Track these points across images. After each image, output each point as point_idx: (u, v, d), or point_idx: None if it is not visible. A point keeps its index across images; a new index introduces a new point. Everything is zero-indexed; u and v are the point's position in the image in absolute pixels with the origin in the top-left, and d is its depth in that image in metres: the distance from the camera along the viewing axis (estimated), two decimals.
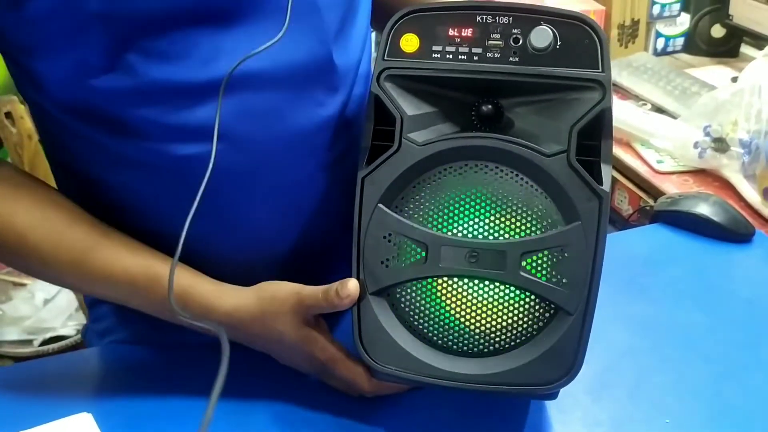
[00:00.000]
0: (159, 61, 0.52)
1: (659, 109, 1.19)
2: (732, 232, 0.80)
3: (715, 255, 0.78)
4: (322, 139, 0.59)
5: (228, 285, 0.57)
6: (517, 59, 0.51)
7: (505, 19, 0.51)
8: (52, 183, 0.66)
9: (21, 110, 0.93)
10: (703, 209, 0.81)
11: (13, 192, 0.56)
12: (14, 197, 0.56)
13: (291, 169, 0.58)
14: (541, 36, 0.50)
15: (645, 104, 1.21)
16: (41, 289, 1.57)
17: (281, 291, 0.55)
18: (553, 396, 0.54)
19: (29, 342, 1.50)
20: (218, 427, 0.55)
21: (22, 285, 1.59)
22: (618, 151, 1.11)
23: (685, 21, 1.45)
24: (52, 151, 0.63)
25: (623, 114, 1.12)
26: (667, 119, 1.13)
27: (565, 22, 0.51)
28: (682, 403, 0.59)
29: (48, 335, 1.50)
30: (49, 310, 1.53)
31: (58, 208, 0.57)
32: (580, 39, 0.51)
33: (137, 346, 0.67)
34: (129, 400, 0.60)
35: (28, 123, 0.94)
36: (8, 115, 0.92)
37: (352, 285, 0.51)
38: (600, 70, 0.50)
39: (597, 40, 0.50)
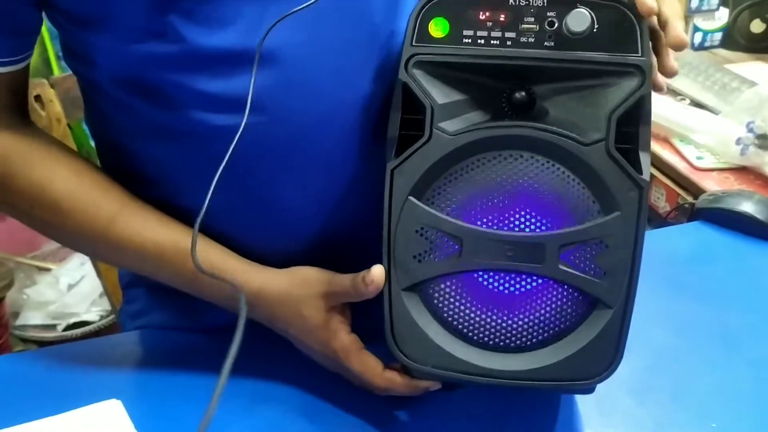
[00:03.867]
0: (202, 25, 0.51)
1: (698, 105, 1.17)
2: None
3: (759, 254, 0.76)
4: (361, 119, 0.57)
5: (257, 264, 0.57)
6: (552, 44, 0.49)
7: (539, 2, 0.49)
8: None
9: (50, 94, 0.94)
10: (747, 207, 0.79)
11: (51, 160, 0.57)
12: (52, 165, 0.57)
13: (326, 148, 0.57)
14: (579, 19, 0.48)
15: (683, 99, 1.18)
16: (66, 274, 1.58)
17: (312, 275, 0.55)
18: (590, 390, 0.52)
19: (53, 327, 1.51)
20: (231, 412, 0.56)
21: (47, 270, 1.61)
22: (655, 146, 1.08)
23: (723, 15, 1.41)
24: (95, 124, 0.64)
25: (661, 109, 1.09)
26: (708, 115, 1.11)
27: (603, 4, 0.49)
28: (727, 407, 0.57)
29: (72, 320, 1.52)
30: (73, 296, 1.55)
31: (93, 178, 0.58)
32: (619, 22, 0.49)
33: (167, 331, 0.67)
34: (159, 387, 0.60)
35: (57, 107, 0.95)
36: (38, 98, 0.93)
37: (376, 272, 0.51)
38: (639, 55, 0.49)
39: (636, 23, 0.49)
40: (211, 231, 0.57)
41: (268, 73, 0.52)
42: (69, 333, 1.50)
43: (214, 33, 0.51)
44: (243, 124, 0.50)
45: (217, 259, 0.57)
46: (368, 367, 0.54)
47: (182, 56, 0.52)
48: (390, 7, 0.57)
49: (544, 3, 0.49)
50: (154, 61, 0.52)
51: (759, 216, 0.78)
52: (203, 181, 0.57)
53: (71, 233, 0.58)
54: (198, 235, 0.57)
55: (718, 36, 1.42)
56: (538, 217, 0.49)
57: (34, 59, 0.59)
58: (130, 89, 0.55)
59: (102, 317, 1.53)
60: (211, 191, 0.48)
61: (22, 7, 0.52)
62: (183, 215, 0.58)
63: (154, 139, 0.57)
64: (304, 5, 0.50)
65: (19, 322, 1.53)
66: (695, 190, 0.98)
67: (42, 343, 1.50)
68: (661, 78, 0.52)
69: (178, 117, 0.54)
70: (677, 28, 0.49)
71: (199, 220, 0.48)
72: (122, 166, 0.60)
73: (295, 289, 0.55)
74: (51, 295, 1.54)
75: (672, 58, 0.51)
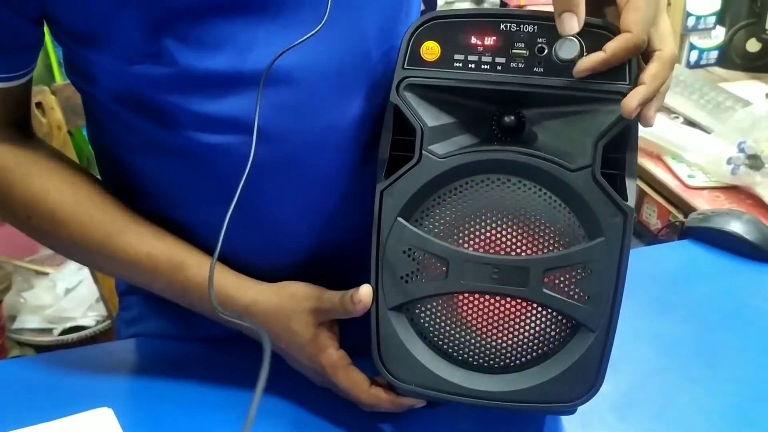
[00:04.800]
0: (195, 49, 0.52)
1: (691, 123, 1.18)
2: (765, 252, 0.79)
3: (747, 274, 0.77)
4: (354, 137, 0.58)
5: (249, 278, 0.58)
6: (541, 70, 0.50)
7: (530, 28, 0.50)
8: None
9: (51, 101, 0.94)
10: (736, 227, 0.80)
11: (48, 171, 0.58)
12: (49, 176, 0.58)
13: (321, 165, 0.58)
14: (568, 47, 0.49)
15: (677, 117, 1.19)
16: (63, 278, 1.59)
17: (302, 290, 0.56)
18: (571, 411, 0.53)
19: (49, 331, 1.53)
20: (223, 423, 0.57)
21: (45, 274, 1.61)
22: (648, 164, 1.09)
23: (719, 34, 1.43)
24: (95, 136, 0.64)
25: (655, 126, 1.09)
26: (701, 133, 1.11)
27: (592, 32, 0.49)
28: (709, 425, 0.58)
29: (68, 325, 1.53)
30: (70, 300, 1.55)
31: (89, 189, 0.59)
32: None
33: (161, 340, 0.68)
34: (150, 396, 0.61)
35: (58, 114, 0.95)
36: (39, 105, 0.93)
37: (364, 291, 0.51)
38: (627, 83, 0.49)
39: None
40: (205, 244, 0.58)
41: (264, 95, 0.52)
42: (65, 337, 1.51)
43: (206, 56, 0.52)
44: (253, 146, 0.50)
45: (208, 272, 0.57)
46: (355, 383, 0.55)
47: (177, 78, 0.52)
48: (384, 28, 0.58)
49: (534, 29, 0.50)
50: (150, 82, 0.53)
51: (747, 236, 0.78)
52: (199, 196, 0.58)
53: (66, 243, 0.59)
54: (194, 249, 0.58)
55: (714, 54, 1.43)
56: (524, 241, 0.50)
57: (37, 66, 0.59)
58: (129, 106, 0.55)
59: (98, 322, 1.54)
60: (228, 218, 0.49)
61: (20, 22, 0.53)
62: (178, 228, 0.59)
63: (152, 154, 0.58)
64: (306, 37, 0.50)
65: (16, 325, 1.53)
66: (686, 208, 0.99)
67: (38, 347, 1.51)
68: (652, 112, 0.50)
69: (174, 135, 0.55)
70: (636, 94, 0.47)
71: (215, 257, 0.49)
72: (120, 177, 0.61)
73: (284, 302, 0.56)
74: (48, 299, 1.55)
75: (636, 100, 0.47)
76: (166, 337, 0.68)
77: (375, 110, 0.58)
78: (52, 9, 0.52)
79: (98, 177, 0.64)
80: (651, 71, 0.48)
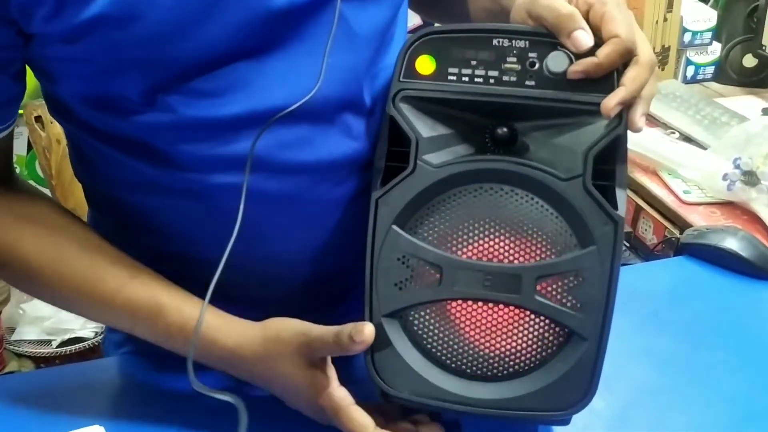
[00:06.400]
0: (196, 99, 0.52)
1: (687, 138, 1.18)
2: (760, 269, 0.78)
3: (743, 291, 0.76)
4: (354, 168, 0.58)
5: (234, 318, 0.56)
6: (533, 83, 0.51)
7: (521, 43, 0.51)
8: (79, 189, 0.66)
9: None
10: (731, 244, 0.79)
11: (24, 220, 0.57)
12: (25, 225, 0.56)
13: (323, 197, 0.58)
14: (558, 61, 0.50)
15: (673, 132, 1.20)
16: None
17: (287, 330, 0.53)
18: (565, 422, 0.53)
19: (48, 342, 1.53)
20: None
21: None
22: (644, 179, 1.09)
23: (716, 49, 1.43)
24: (83, 172, 0.63)
25: (651, 142, 1.11)
26: (696, 149, 1.12)
27: None
28: None
29: (67, 336, 1.53)
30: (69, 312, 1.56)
31: (66, 234, 0.57)
32: None
33: (154, 359, 0.66)
34: (143, 415, 0.60)
35: (57, 127, 0.96)
36: (38, 119, 0.94)
37: (368, 330, 0.49)
38: None
39: None
40: (204, 275, 0.53)
41: (264, 135, 0.52)
42: (64, 349, 1.51)
43: (208, 103, 0.52)
44: (245, 188, 0.50)
45: (192, 313, 0.55)
46: (358, 426, 0.51)
47: (179, 125, 0.52)
48: (371, 66, 0.58)
49: (525, 44, 0.51)
50: (147, 128, 0.52)
51: (742, 253, 0.78)
52: (206, 233, 0.56)
53: (44, 290, 0.58)
54: (174, 291, 0.56)
55: (711, 70, 1.44)
56: (516, 249, 0.51)
57: (34, 81, 0.57)
58: (122, 148, 0.55)
59: (97, 334, 1.54)
60: (223, 260, 0.48)
61: (2, 80, 0.52)
62: (174, 262, 0.58)
63: (150, 193, 0.57)
64: (295, 105, 0.51)
65: (15, 337, 1.54)
66: (682, 224, 0.99)
67: (36, 359, 1.51)
68: (638, 117, 0.51)
69: (175, 176, 0.54)
70: (615, 95, 0.49)
71: (204, 305, 0.48)
72: (113, 213, 0.60)
73: (269, 345, 0.53)
74: (47, 310, 1.55)
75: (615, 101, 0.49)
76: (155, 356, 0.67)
77: (372, 140, 0.58)
78: (43, 66, 0.51)
79: (78, 215, 0.61)
80: (630, 74, 0.49)
